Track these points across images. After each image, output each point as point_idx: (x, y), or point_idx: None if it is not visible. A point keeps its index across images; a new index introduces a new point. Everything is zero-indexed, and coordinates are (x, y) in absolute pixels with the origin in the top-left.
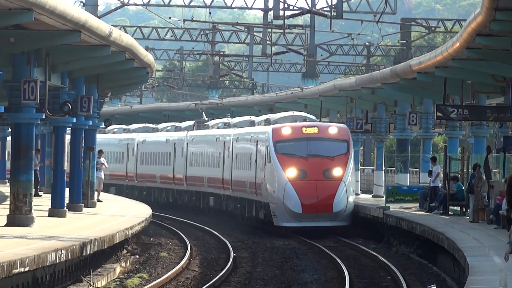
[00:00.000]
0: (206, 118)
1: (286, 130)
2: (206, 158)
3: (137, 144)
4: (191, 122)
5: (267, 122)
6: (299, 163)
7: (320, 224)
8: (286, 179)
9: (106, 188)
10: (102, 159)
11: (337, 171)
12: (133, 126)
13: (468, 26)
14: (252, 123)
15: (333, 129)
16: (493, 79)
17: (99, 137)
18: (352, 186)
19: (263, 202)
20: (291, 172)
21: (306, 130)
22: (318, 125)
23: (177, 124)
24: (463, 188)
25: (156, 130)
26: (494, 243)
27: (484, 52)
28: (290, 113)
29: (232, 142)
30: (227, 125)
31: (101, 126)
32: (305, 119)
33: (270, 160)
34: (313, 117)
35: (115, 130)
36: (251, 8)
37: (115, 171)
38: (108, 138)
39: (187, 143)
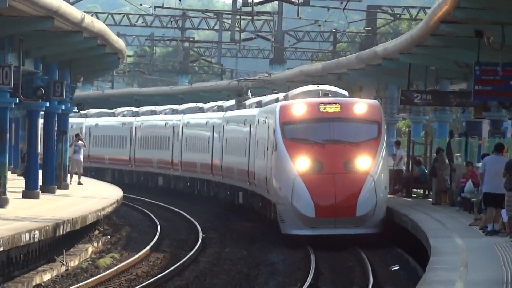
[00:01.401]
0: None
1: (299, 108)
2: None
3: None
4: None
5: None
6: (313, 152)
7: (339, 232)
8: (296, 172)
9: (155, 179)
10: (80, 142)
11: (363, 162)
12: (182, 107)
13: (433, 13)
14: (259, 103)
15: (361, 106)
16: (456, 65)
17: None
18: (385, 182)
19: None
20: (302, 164)
21: (325, 108)
22: (341, 102)
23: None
24: (426, 171)
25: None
26: (456, 225)
27: (448, 39)
28: (313, 87)
29: (224, 125)
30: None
31: (74, 110)
32: (326, 94)
33: (276, 148)
34: (344, 92)
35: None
36: None
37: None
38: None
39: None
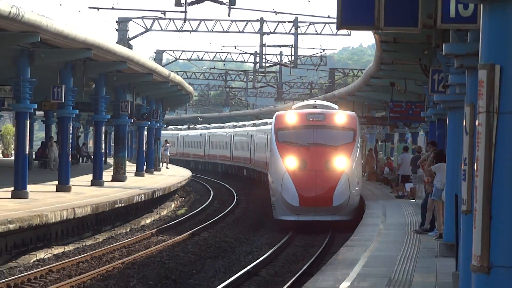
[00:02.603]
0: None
1: (291, 117)
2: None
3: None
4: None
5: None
6: (300, 153)
7: (319, 218)
8: (285, 169)
9: (218, 167)
10: (168, 144)
11: (339, 162)
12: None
13: (367, 72)
14: (255, 124)
15: (341, 116)
16: (379, 102)
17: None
18: (357, 178)
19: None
20: (291, 162)
21: (311, 117)
22: (325, 112)
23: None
24: (362, 162)
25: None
26: (379, 192)
27: (375, 87)
28: (310, 101)
29: (254, 135)
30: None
31: (163, 127)
32: (315, 106)
33: (271, 149)
34: (334, 106)
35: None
36: (247, 62)
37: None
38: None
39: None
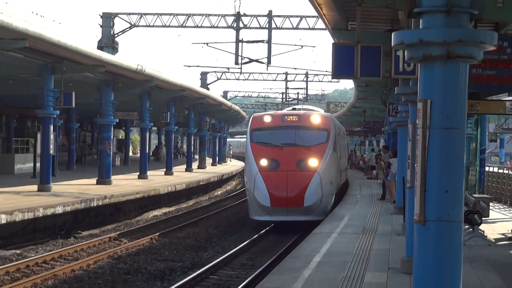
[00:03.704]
0: None
1: (266, 118)
2: None
3: None
4: None
5: None
6: (272, 153)
7: (291, 218)
8: (257, 169)
9: None
10: (230, 147)
11: (312, 162)
12: None
13: (349, 104)
14: None
15: (315, 117)
16: (357, 121)
17: None
18: (331, 178)
19: None
20: (263, 162)
21: (287, 118)
22: (300, 114)
23: None
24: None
25: None
26: (357, 176)
27: (354, 112)
28: (298, 107)
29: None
30: None
31: (228, 136)
32: (294, 108)
33: (246, 149)
34: (320, 110)
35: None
36: (277, 98)
37: None
38: None
39: None
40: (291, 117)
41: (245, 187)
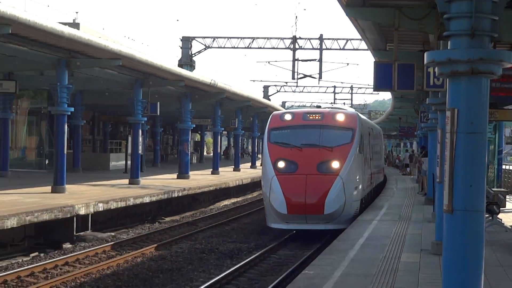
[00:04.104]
0: None
1: (286, 116)
2: None
3: None
4: None
5: None
6: (291, 154)
7: (310, 227)
8: (273, 172)
9: None
10: None
11: (334, 164)
12: None
13: (387, 112)
14: None
15: (339, 116)
16: (394, 127)
17: None
18: (355, 183)
19: None
20: (280, 165)
21: (309, 116)
22: (324, 112)
23: None
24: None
25: None
26: (393, 172)
27: (391, 119)
28: (325, 105)
29: None
30: None
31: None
32: (319, 106)
33: (263, 150)
34: (349, 109)
35: None
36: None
37: None
38: None
39: None
40: (313, 115)
41: (262, 192)
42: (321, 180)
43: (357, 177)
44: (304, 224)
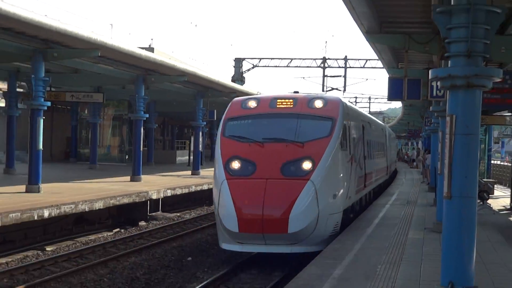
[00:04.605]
0: None
1: (250, 103)
2: None
3: None
4: None
5: None
6: (249, 152)
7: (271, 250)
8: (224, 176)
9: None
10: None
11: (305, 165)
12: None
13: (398, 118)
14: None
15: (318, 102)
16: (403, 129)
17: None
18: (334, 189)
19: None
20: (234, 165)
21: (278, 104)
22: (298, 97)
23: None
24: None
25: None
26: (402, 165)
27: (401, 123)
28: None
29: None
30: None
31: None
32: (297, 92)
33: (215, 146)
34: (334, 96)
35: None
36: None
37: None
38: None
39: None
40: (284, 101)
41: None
42: (286, 187)
43: (337, 182)
44: (263, 245)
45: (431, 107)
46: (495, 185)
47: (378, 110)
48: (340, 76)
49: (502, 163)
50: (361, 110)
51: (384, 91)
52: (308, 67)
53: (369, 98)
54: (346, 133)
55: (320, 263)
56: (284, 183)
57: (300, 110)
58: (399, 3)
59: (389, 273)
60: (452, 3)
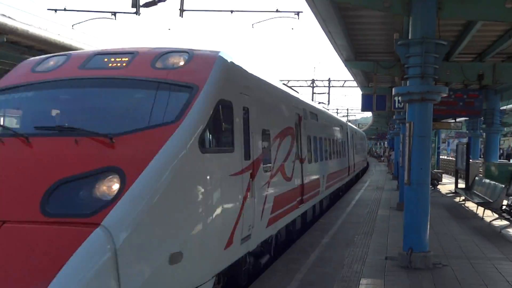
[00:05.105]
0: None
1: (50, 62)
2: None
3: None
4: None
5: None
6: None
7: None
8: None
9: None
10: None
11: (102, 187)
12: None
13: (369, 124)
14: None
15: (174, 58)
16: (372, 133)
17: None
18: (173, 242)
19: None
20: None
21: (101, 62)
22: (140, 52)
23: None
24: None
25: None
26: (372, 160)
27: (371, 129)
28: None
29: None
30: None
31: None
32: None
33: None
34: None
35: None
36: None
37: None
38: None
39: None
40: (112, 59)
41: None
42: (43, 243)
43: (192, 221)
44: None
45: (394, 116)
46: (443, 175)
47: (354, 118)
48: (325, 93)
49: (448, 158)
50: (295, 92)
51: (358, 104)
52: (300, 86)
53: (347, 110)
54: (234, 118)
55: (312, 234)
56: (40, 232)
57: (134, 72)
58: (369, 38)
59: (363, 241)
60: (410, 37)
